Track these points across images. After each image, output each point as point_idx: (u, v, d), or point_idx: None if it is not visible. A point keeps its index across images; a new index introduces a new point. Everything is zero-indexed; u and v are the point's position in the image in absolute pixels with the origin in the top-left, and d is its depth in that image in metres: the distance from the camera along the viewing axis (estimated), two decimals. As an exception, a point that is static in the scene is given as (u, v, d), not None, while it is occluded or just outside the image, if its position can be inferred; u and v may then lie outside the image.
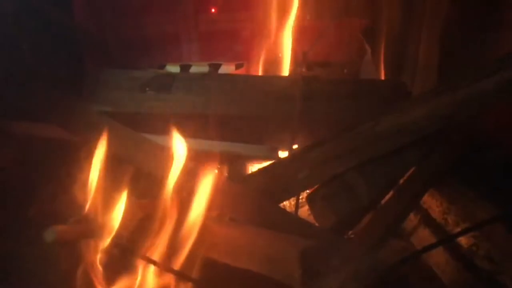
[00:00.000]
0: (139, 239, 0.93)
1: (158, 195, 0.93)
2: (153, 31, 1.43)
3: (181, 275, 0.89)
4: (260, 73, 1.34)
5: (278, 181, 1.02)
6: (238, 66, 1.47)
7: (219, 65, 1.49)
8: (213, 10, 1.44)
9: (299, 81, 1.17)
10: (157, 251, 0.90)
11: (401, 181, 1.05)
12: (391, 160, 1.02)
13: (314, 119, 1.11)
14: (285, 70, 1.35)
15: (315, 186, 1.05)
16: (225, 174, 1.14)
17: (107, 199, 0.97)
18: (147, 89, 1.14)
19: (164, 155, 0.97)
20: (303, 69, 1.38)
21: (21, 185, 1.05)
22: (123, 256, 0.94)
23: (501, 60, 0.99)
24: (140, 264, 0.90)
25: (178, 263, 0.89)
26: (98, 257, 0.94)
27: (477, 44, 1.19)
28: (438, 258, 1.07)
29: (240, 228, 0.95)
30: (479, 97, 0.96)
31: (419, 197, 1.05)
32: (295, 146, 1.09)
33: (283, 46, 1.29)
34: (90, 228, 0.91)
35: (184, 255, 0.89)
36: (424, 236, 1.12)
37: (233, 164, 1.14)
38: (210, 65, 1.48)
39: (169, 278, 0.90)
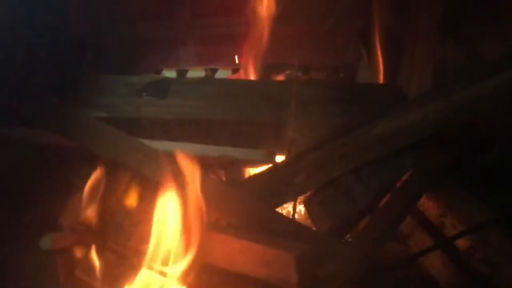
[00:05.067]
0: (136, 244, 0.93)
1: (155, 200, 0.93)
2: (149, 36, 1.43)
3: (178, 280, 0.89)
4: (256, 77, 1.34)
5: (275, 186, 1.02)
6: (234, 71, 1.47)
7: (215, 70, 1.49)
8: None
9: (295, 85, 1.17)
10: (154, 256, 0.90)
11: (398, 184, 1.05)
12: (388, 163, 1.02)
13: (310, 123, 1.11)
14: (281, 74, 1.36)
15: (312, 190, 1.05)
16: (222, 178, 1.14)
17: (103, 205, 0.97)
18: (144, 94, 1.14)
19: (160, 160, 0.97)
20: (299, 73, 1.38)
21: (17, 191, 1.05)
22: (120, 261, 0.94)
23: (496, 63, 0.99)
24: (137, 270, 0.90)
25: (175, 268, 0.89)
26: (94, 263, 0.94)
27: (473, 47, 1.20)
28: (435, 261, 1.07)
29: (237, 232, 0.95)
30: (475, 100, 0.96)
31: (416, 200, 1.05)
32: (291, 151, 1.09)
33: (278, 51, 1.29)
34: (86, 235, 0.91)
35: (181, 260, 0.89)
36: (421, 239, 1.12)
37: (230, 168, 1.14)
38: (206, 70, 1.48)
39: (166, 283, 0.90)
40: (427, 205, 1.12)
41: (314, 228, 1.04)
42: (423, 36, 1.25)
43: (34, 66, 1.09)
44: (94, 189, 0.96)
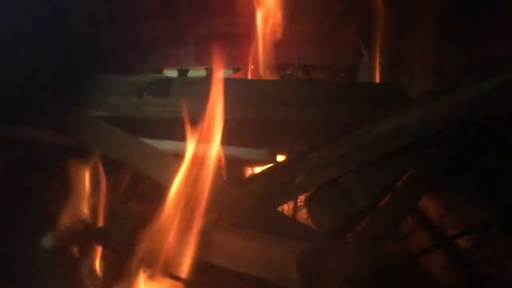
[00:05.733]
0: (137, 243, 0.93)
1: (156, 200, 0.93)
2: (150, 35, 1.43)
3: (179, 280, 0.89)
4: (257, 77, 1.35)
5: (275, 185, 1.02)
6: (235, 70, 1.48)
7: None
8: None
9: (296, 85, 1.18)
10: (155, 255, 0.90)
11: (398, 184, 1.05)
12: (388, 163, 1.02)
13: (311, 123, 1.11)
14: (281, 74, 1.36)
15: (313, 190, 1.06)
16: (223, 178, 1.14)
17: (105, 204, 0.97)
18: (145, 93, 1.14)
19: (161, 159, 0.97)
20: (300, 73, 1.39)
21: (18, 190, 1.06)
22: (121, 260, 0.94)
23: (496, 63, 0.99)
24: (138, 269, 0.90)
25: (176, 267, 0.90)
26: (96, 262, 0.94)
27: (474, 47, 1.20)
28: (436, 261, 1.07)
29: (238, 232, 0.95)
30: (476, 100, 0.97)
31: (416, 200, 1.05)
32: (292, 150, 1.09)
33: (279, 50, 1.30)
34: (88, 234, 0.91)
35: (183, 259, 0.90)
36: (421, 239, 1.12)
37: (231, 168, 1.14)
38: (207, 69, 1.48)
39: (167, 283, 0.90)
40: (427, 204, 1.12)
41: (314, 228, 1.04)
42: (423, 36, 1.25)
43: (35, 65, 1.09)
44: (95, 188, 0.96)
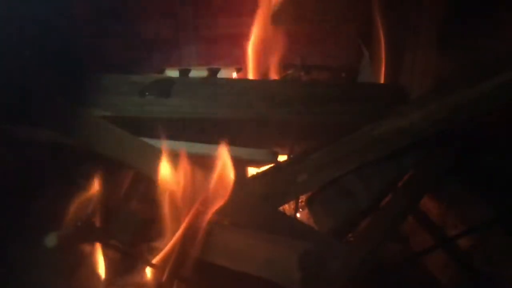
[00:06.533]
0: (140, 242, 0.93)
1: (158, 199, 0.94)
2: (152, 35, 1.44)
3: (180, 279, 0.90)
4: (258, 77, 1.35)
5: (277, 185, 1.03)
6: (237, 71, 1.48)
7: (218, 70, 1.49)
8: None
9: (298, 85, 1.18)
10: (157, 254, 0.91)
11: (399, 184, 1.06)
12: (389, 163, 1.03)
13: (312, 123, 1.11)
14: (283, 74, 1.36)
15: (314, 190, 1.06)
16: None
17: (106, 203, 0.97)
18: (147, 93, 1.15)
19: (164, 159, 0.97)
20: (302, 73, 1.39)
21: (22, 190, 1.06)
22: (124, 259, 0.95)
23: (498, 63, 1.00)
24: (141, 267, 0.91)
25: (178, 266, 0.90)
26: (98, 262, 0.95)
27: (475, 47, 1.20)
28: (437, 261, 1.07)
29: (240, 231, 0.95)
30: (477, 100, 0.97)
31: (417, 200, 1.05)
32: (293, 150, 1.09)
33: (280, 51, 1.30)
34: (91, 233, 0.92)
35: (185, 258, 0.90)
36: (422, 239, 1.12)
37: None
38: (209, 70, 1.49)
39: (169, 281, 0.90)
40: (428, 205, 1.12)
41: (315, 228, 1.05)
42: (424, 36, 1.25)
43: (38, 65, 1.09)
44: (98, 187, 0.97)
